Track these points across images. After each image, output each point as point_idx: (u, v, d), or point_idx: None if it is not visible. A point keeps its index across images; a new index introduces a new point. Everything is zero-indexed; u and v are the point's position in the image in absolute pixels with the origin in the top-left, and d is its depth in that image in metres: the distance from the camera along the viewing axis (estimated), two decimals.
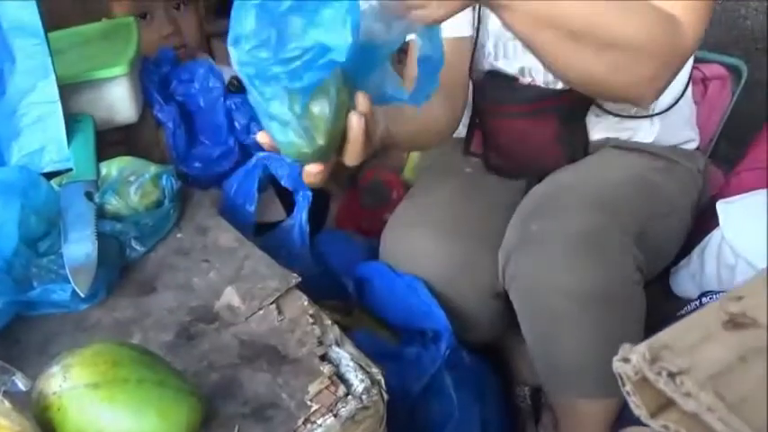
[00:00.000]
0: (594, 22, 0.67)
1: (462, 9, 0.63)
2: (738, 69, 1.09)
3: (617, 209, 0.83)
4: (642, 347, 0.27)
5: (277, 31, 0.52)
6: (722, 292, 0.87)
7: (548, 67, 0.77)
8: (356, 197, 1.59)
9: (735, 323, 0.26)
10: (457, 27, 1.02)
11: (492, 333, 1.01)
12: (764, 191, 0.87)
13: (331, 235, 1.20)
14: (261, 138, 0.65)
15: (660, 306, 0.96)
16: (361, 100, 0.60)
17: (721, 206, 0.90)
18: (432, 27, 0.60)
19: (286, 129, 0.56)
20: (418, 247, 0.94)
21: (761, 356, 0.25)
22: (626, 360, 0.27)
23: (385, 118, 0.71)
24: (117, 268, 0.76)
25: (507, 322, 1.00)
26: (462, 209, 0.96)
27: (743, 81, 1.09)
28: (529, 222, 0.85)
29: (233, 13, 0.53)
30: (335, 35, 0.51)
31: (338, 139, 0.59)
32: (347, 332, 0.92)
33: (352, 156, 0.62)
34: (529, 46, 0.72)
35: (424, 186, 1.05)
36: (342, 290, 1.05)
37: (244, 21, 0.52)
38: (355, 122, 0.60)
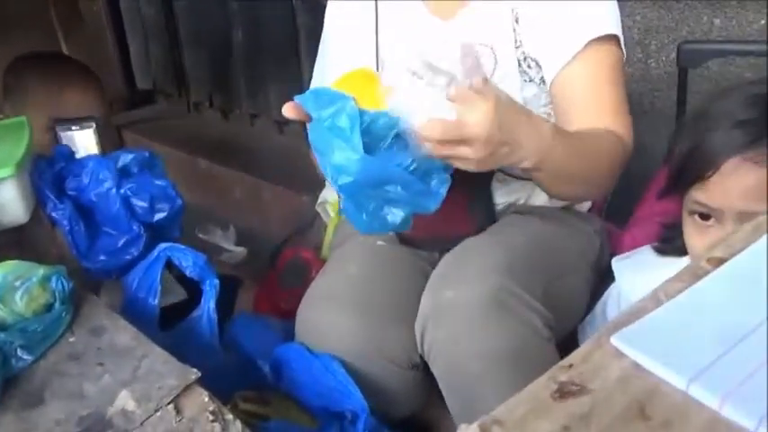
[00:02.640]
0: (588, 171, 0.87)
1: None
2: None
3: (521, 271, 0.87)
4: (474, 425, 0.27)
5: None
6: None
7: (545, 191, 0.93)
8: (274, 279, 1.58)
9: (562, 392, 0.27)
10: None
11: (413, 406, 1.00)
12: (656, 257, 0.92)
13: (245, 320, 1.17)
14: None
15: None
16: None
17: (615, 263, 0.94)
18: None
19: None
20: (331, 324, 0.94)
21: (584, 423, 0.26)
22: None
23: None
24: (0, 382, 0.70)
25: (428, 394, 1.00)
26: (373, 282, 0.97)
27: None
28: (442, 290, 0.87)
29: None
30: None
31: None
32: (263, 423, 0.89)
33: None
34: (538, 184, 0.89)
35: (337, 262, 1.05)
36: (259, 375, 1.02)
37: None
38: None
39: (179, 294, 1.11)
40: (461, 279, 0.87)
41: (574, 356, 0.31)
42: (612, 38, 0.92)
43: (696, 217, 0.78)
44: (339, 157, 0.72)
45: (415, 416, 1.04)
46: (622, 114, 0.92)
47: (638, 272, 0.89)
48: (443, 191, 0.77)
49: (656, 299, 0.34)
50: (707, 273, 0.35)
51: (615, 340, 0.31)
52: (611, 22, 0.93)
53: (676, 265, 0.85)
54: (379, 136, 0.72)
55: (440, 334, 0.86)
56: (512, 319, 0.83)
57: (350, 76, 0.80)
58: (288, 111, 0.77)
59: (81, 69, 1.35)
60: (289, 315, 1.27)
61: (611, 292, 0.96)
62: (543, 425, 0.26)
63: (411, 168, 0.73)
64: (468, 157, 0.71)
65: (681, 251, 0.83)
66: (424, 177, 0.75)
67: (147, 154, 1.07)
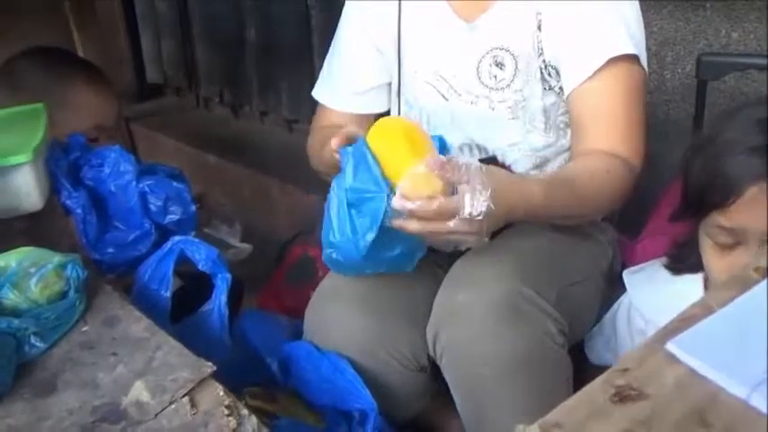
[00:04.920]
0: (580, 209, 0.91)
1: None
2: None
3: (535, 275, 0.86)
4: (534, 427, 0.27)
5: None
6: None
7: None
8: (281, 277, 1.57)
9: (621, 396, 0.27)
10: (370, 104, 1.06)
11: (417, 408, 1.00)
12: (664, 259, 0.92)
13: (254, 316, 1.17)
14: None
15: (587, 372, 0.97)
16: None
17: (627, 275, 0.94)
18: None
19: None
20: (339, 323, 0.93)
21: (646, 428, 0.26)
22: None
23: None
24: (12, 369, 0.70)
25: (434, 397, 0.99)
26: (383, 283, 0.96)
27: None
28: (455, 293, 0.86)
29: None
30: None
31: None
32: (271, 420, 0.89)
33: None
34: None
35: None
36: (266, 372, 1.01)
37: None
38: None
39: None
40: (475, 282, 0.86)
41: (628, 360, 0.31)
42: (634, 57, 0.92)
43: (719, 240, 0.78)
44: (341, 241, 0.77)
45: (420, 418, 1.04)
46: (634, 137, 0.92)
47: (649, 285, 0.89)
48: (419, 257, 0.87)
49: (706, 306, 0.34)
50: (755, 282, 0.35)
51: (671, 346, 0.31)
52: (633, 40, 0.92)
53: (688, 280, 0.85)
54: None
55: (453, 337, 0.85)
56: (525, 324, 0.83)
57: (387, 128, 0.81)
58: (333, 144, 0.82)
59: (88, 68, 1.31)
60: (294, 313, 1.26)
61: (622, 304, 0.95)
62: (604, 428, 0.26)
63: (398, 252, 0.81)
64: (469, 238, 0.77)
65: (695, 268, 0.83)
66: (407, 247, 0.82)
67: (177, 170, 1.08)
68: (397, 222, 0.75)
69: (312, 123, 1.13)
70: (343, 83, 1.07)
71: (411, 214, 0.74)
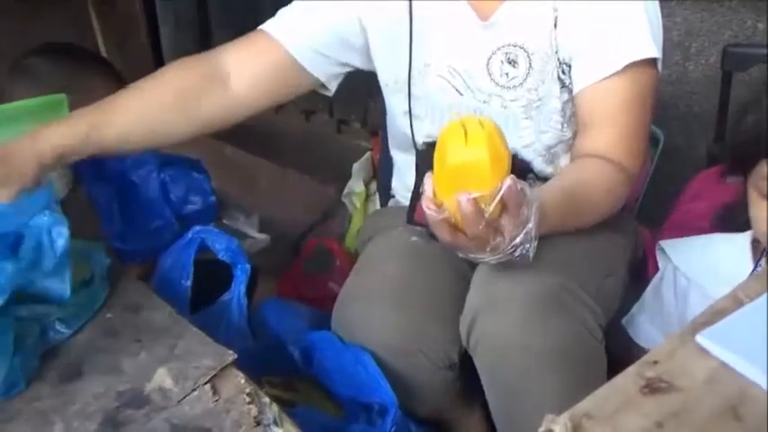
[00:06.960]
0: (583, 221, 0.89)
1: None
2: (656, 136, 1.16)
3: (576, 269, 0.85)
4: (564, 417, 0.27)
5: None
6: None
7: None
8: (299, 267, 1.58)
9: (651, 388, 0.26)
10: (317, 68, 1.01)
11: (439, 405, 0.99)
12: (710, 235, 0.92)
13: (276, 304, 1.17)
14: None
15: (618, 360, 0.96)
16: None
17: (666, 245, 0.95)
18: None
19: None
20: (372, 322, 0.91)
21: (677, 421, 0.26)
22: (550, 431, 0.26)
23: None
24: (38, 354, 0.71)
25: (456, 394, 0.99)
26: (413, 279, 0.94)
27: (660, 147, 1.15)
28: (494, 284, 0.85)
29: None
30: None
31: None
32: (289, 408, 0.90)
33: None
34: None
35: (372, 258, 1.01)
36: (286, 361, 1.02)
37: None
38: None
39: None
40: (515, 274, 0.83)
41: (657, 353, 0.30)
42: (653, 60, 0.89)
43: (763, 189, 0.80)
44: None
45: (434, 414, 1.03)
46: (639, 144, 0.91)
47: (690, 248, 0.90)
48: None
49: (736, 299, 0.34)
50: None
51: (701, 339, 0.30)
52: (653, 42, 0.88)
53: (735, 241, 0.86)
54: None
55: (491, 326, 0.83)
56: (568, 317, 0.81)
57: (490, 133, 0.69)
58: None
59: (99, 60, 1.31)
60: (313, 303, 1.27)
61: (665, 273, 0.95)
62: (635, 419, 0.26)
63: None
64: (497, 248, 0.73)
65: (743, 227, 0.86)
66: None
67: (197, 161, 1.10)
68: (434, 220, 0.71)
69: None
70: (310, 33, 1.01)
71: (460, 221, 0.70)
